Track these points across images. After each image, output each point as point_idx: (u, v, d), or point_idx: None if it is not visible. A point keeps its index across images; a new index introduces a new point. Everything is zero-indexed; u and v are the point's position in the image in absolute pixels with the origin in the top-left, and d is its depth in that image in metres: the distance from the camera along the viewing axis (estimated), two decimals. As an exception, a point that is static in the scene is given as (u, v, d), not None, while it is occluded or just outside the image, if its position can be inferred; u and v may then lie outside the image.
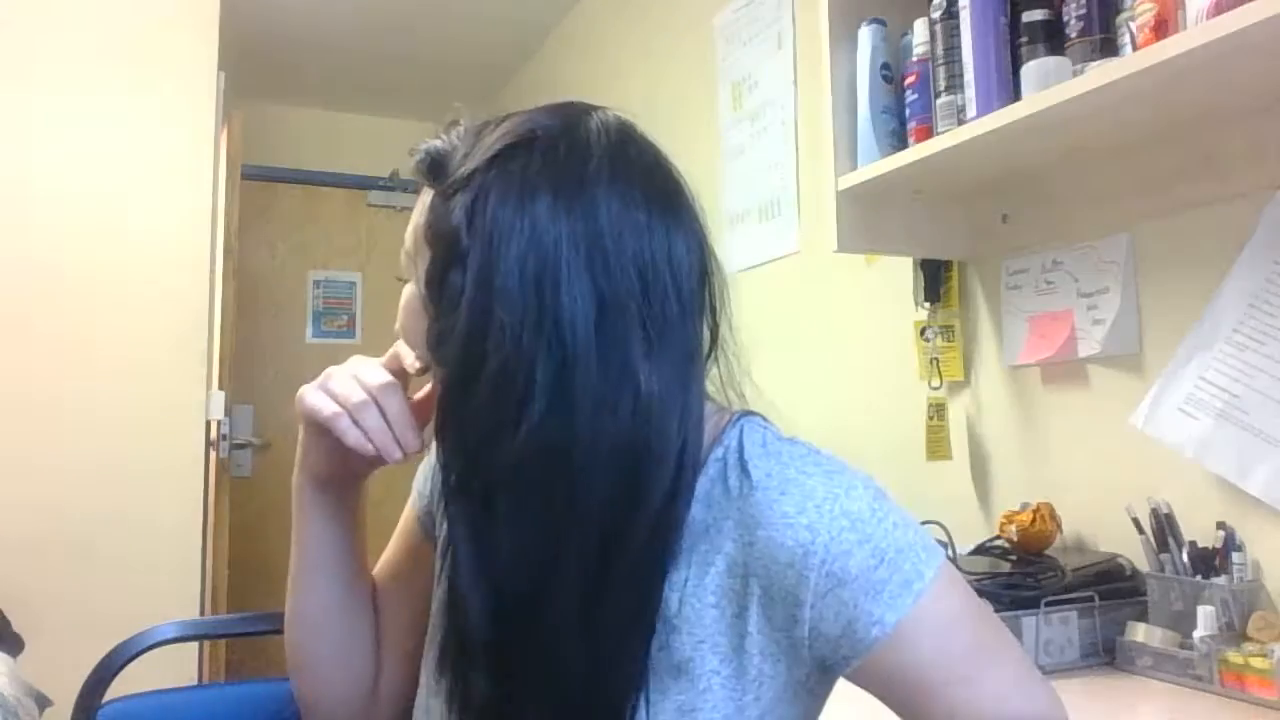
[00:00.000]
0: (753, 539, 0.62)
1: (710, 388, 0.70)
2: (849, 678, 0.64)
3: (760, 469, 0.63)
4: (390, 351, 0.73)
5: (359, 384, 0.70)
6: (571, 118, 0.66)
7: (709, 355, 0.69)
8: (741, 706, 0.62)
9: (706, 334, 0.69)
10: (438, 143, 0.69)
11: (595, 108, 0.68)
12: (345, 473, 0.77)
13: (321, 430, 0.71)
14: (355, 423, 0.69)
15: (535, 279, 0.60)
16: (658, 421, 0.61)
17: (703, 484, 0.65)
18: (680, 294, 0.64)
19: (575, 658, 0.61)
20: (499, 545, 0.61)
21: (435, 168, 0.67)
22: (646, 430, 0.61)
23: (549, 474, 0.60)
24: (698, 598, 0.63)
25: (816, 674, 0.64)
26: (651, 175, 0.66)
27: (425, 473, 0.85)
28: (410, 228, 0.70)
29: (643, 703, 0.62)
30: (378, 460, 0.71)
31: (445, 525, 0.69)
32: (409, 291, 0.70)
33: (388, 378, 0.71)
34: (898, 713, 0.63)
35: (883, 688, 0.62)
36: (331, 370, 0.72)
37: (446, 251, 0.63)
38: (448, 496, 0.64)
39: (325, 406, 0.70)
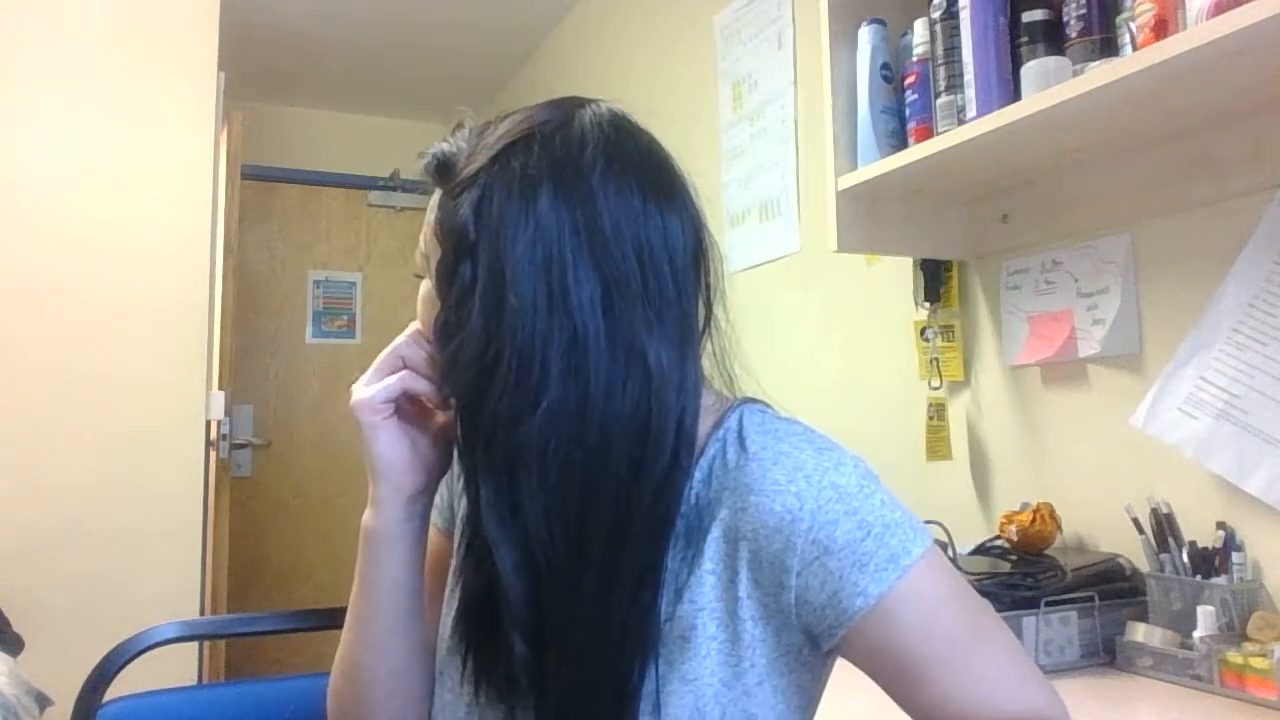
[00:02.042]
0: (745, 504, 0.65)
1: (706, 363, 0.72)
2: (841, 653, 0.65)
3: (757, 443, 0.67)
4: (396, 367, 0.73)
5: (382, 355, 0.72)
6: (567, 112, 0.69)
7: (703, 332, 0.72)
8: (739, 673, 0.64)
9: (701, 312, 0.72)
10: (445, 146, 0.71)
11: (590, 101, 0.71)
12: (423, 475, 0.74)
13: (385, 430, 0.71)
14: (415, 373, 0.71)
15: (544, 267, 0.63)
16: (660, 395, 0.64)
17: (703, 465, 0.68)
18: (676, 274, 0.67)
19: (597, 612, 0.64)
20: (525, 513, 0.64)
21: (443, 169, 0.70)
22: (651, 403, 0.64)
23: (567, 448, 0.63)
24: (698, 565, 0.66)
25: (808, 645, 0.66)
26: (645, 161, 0.69)
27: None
28: (425, 229, 0.72)
29: (653, 675, 0.64)
30: (444, 429, 0.73)
31: (464, 513, 0.71)
32: (425, 287, 0.72)
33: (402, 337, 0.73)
34: (889, 693, 0.64)
35: (871, 663, 0.64)
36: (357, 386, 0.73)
37: (456, 246, 0.66)
38: (471, 475, 0.67)
39: (381, 378, 0.71)
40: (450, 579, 0.77)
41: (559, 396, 0.62)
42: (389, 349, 0.72)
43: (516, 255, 0.63)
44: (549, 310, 0.63)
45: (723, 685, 0.64)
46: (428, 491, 0.74)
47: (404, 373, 0.71)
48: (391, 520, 0.72)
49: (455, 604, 0.74)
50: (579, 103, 0.70)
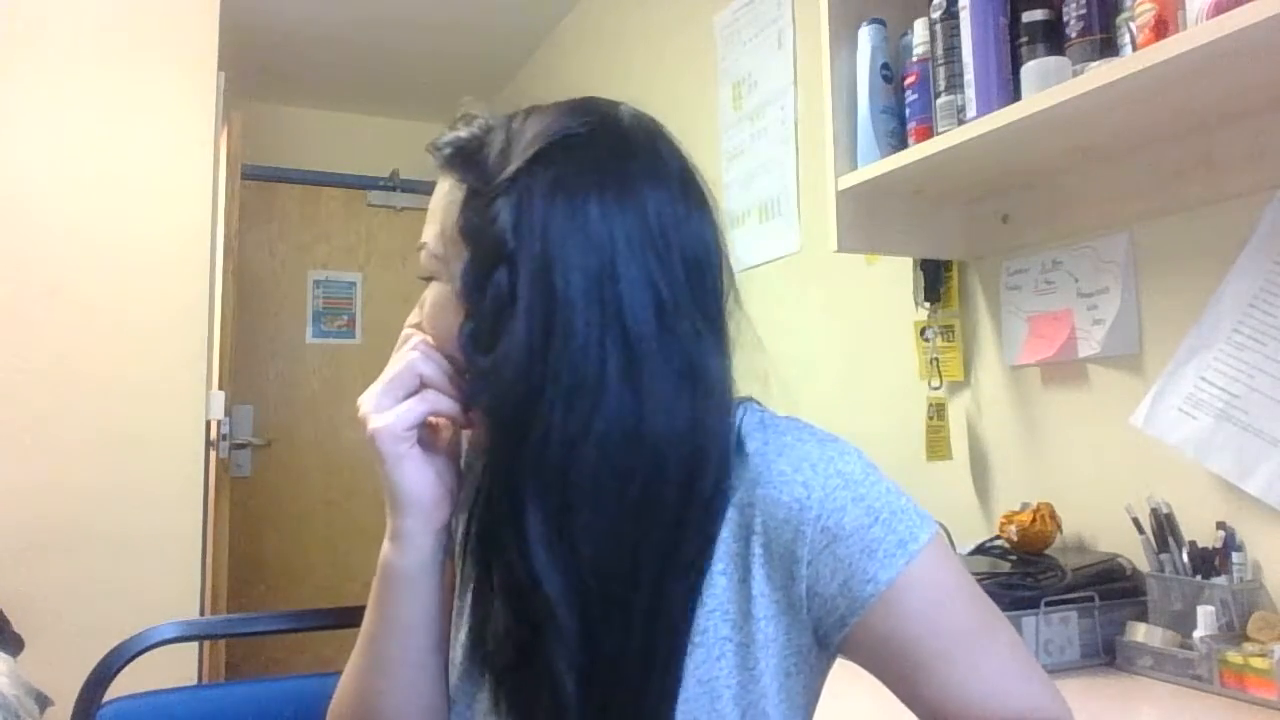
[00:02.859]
0: (752, 499, 0.64)
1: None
2: (844, 650, 0.65)
3: (757, 438, 0.66)
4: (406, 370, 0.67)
5: (393, 371, 0.67)
6: (604, 115, 0.67)
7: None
8: (755, 676, 0.63)
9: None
10: (462, 134, 0.67)
11: (618, 104, 0.69)
12: (449, 504, 0.69)
13: (411, 460, 0.66)
14: (434, 390, 0.66)
15: (597, 280, 0.60)
16: (712, 408, 0.63)
17: None
18: (718, 282, 0.66)
19: (645, 639, 0.62)
20: (577, 541, 0.61)
21: (466, 160, 0.66)
22: (702, 417, 0.63)
23: (623, 470, 0.61)
24: (708, 567, 0.65)
25: (815, 647, 0.65)
26: (683, 168, 0.68)
27: None
28: (434, 227, 0.68)
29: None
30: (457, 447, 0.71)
31: (469, 534, 0.69)
32: (440, 291, 0.68)
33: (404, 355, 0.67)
34: (894, 689, 0.64)
35: (877, 656, 0.63)
36: (364, 408, 0.67)
37: (490, 253, 0.62)
38: (510, 499, 0.62)
39: (398, 399, 0.66)
40: (456, 601, 0.73)
41: (616, 418, 0.60)
42: (402, 365, 0.67)
43: (566, 268, 0.60)
44: (603, 326, 0.60)
45: (740, 687, 0.63)
46: (452, 520, 0.70)
47: (428, 394, 0.66)
48: (419, 557, 0.67)
49: (464, 628, 0.71)
50: (610, 105, 0.68)
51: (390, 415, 0.65)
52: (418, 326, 0.70)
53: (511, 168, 0.63)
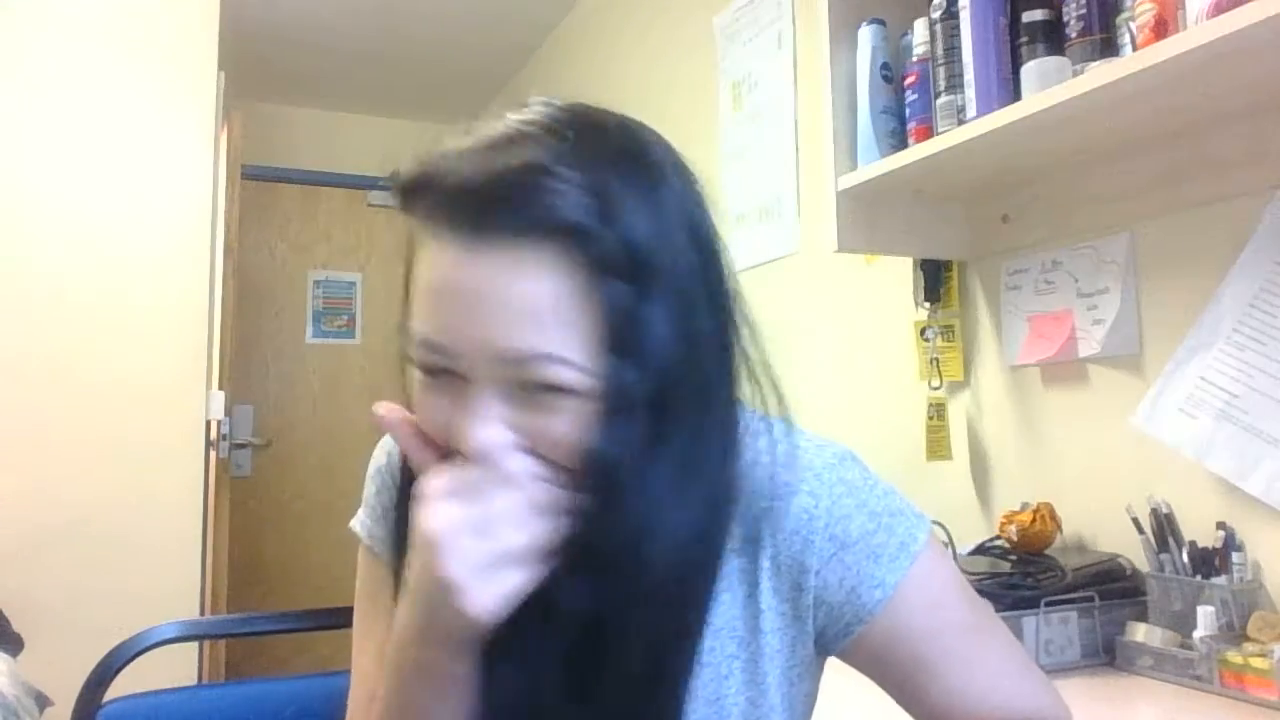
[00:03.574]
0: (756, 511, 0.63)
1: None
2: (846, 655, 0.64)
3: (752, 448, 0.65)
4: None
5: (508, 544, 0.54)
6: (637, 131, 0.61)
7: None
8: (763, 690, 0.63)
9: None
10: (553, 194, 0.53)
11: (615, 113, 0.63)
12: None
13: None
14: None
15: (681, 324, 0.57)
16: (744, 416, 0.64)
17: None
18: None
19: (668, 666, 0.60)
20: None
21: (566, 235, 0.53)
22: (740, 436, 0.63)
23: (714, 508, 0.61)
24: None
25: (815, 655, 0.65)
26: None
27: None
28: (565, 333, 0.53)
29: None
30: None
31: None
32: (577, 407, 0.54)
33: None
34: (893, 692, 0.64)
35: (879, 660, 0.63)
36: (456, 562, 0.53)
37: (657, 365, 0.55)
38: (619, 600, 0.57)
39: (499, 567, 0.53)
40: None
41: (719, 470, 0.60)
42: (526, 540, 0.53)
43: (696, 324, 0.57)
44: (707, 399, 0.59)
45: (749, 704, 0.63)
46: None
47: (538, 562, 0.54)
48: (468, 658, 0.57)
49: None
50: (631, 121, 0.62)
51: (498, 597, 0.53)
52: (530, 451, 0.55)
53: (642, 246, 0.54)
